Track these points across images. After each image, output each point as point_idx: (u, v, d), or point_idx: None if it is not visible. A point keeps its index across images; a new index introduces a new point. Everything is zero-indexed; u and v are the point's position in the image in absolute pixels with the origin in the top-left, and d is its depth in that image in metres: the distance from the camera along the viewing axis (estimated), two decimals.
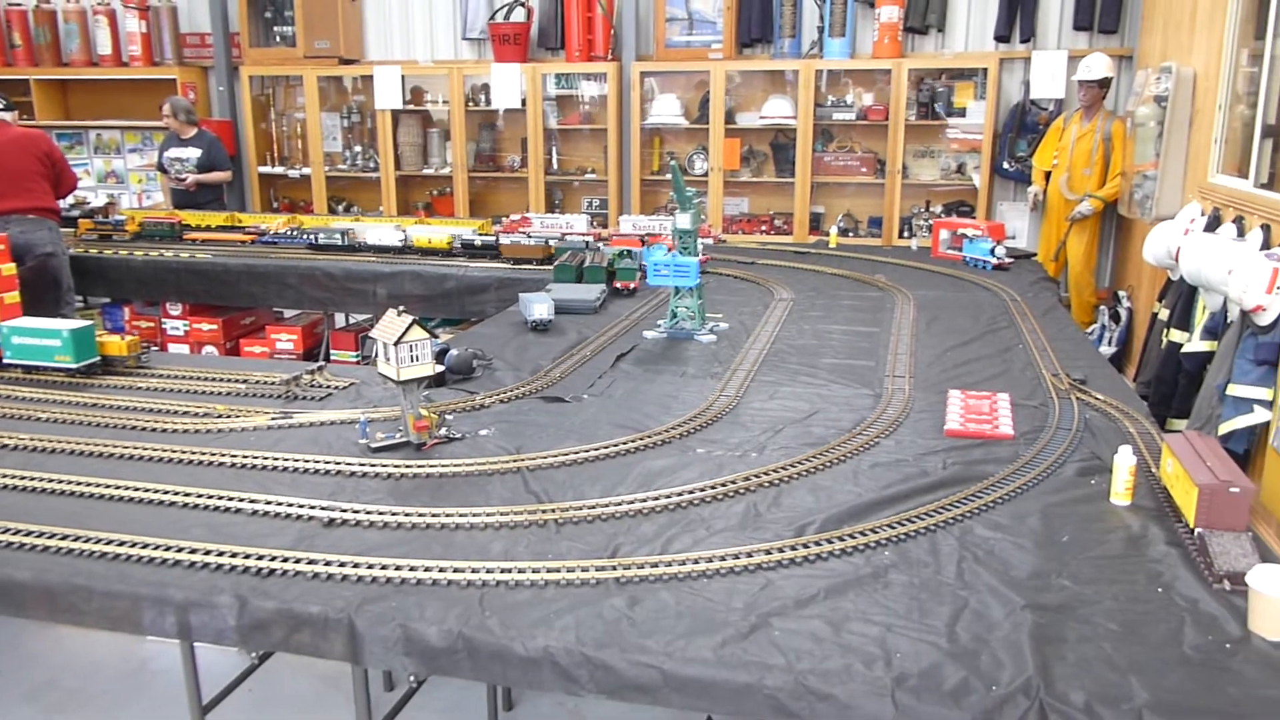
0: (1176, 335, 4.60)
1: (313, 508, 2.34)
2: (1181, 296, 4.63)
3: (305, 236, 5.95)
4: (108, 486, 2.46)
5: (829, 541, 2.15)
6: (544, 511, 2.31)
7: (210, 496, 2.40)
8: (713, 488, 2.44)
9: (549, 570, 2.02)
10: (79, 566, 2.08)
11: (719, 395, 3.21)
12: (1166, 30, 5.97)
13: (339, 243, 5.65)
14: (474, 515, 2.29)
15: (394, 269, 5.43)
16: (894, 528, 2.22)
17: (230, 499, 2.38)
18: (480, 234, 5.60)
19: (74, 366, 3.41)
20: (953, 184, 7.32)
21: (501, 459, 2.63)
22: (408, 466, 2.59)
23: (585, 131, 7.99)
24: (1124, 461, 2.36)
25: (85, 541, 2.16)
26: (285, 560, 2.07)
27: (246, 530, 2.24)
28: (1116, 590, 1.96)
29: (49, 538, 2.18)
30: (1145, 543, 2.16)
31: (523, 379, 3.40)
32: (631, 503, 2.35)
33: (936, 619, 1.86)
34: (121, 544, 2.15)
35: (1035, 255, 6.44)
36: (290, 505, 2.35)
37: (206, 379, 3.43)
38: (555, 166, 8.02)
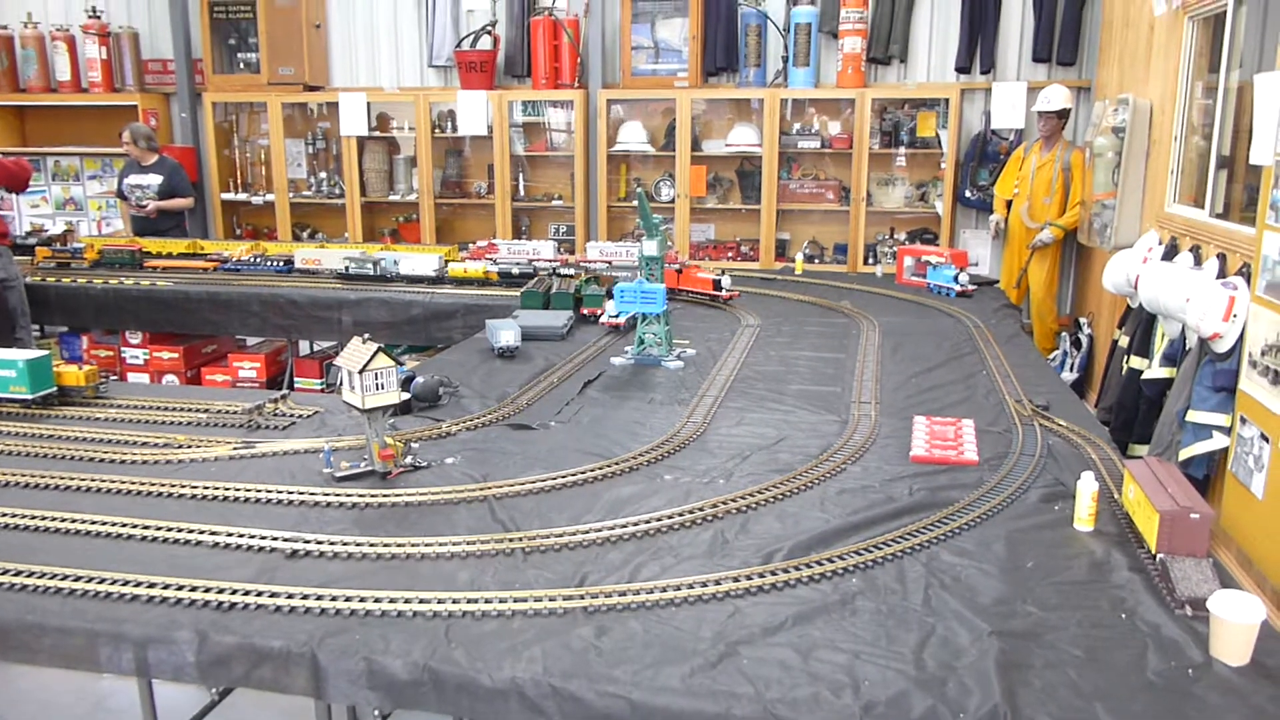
0: (1136, 362, 4.68)
1: (275, 539, 2.31)
2: (1141, 324, 4.72)
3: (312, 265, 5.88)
4: (64, 520, 2.41)
5: (797, 569, 2.15)
6: (511, 540, 2.29)
7: (170, 529, 2.36)
8: (680, 515, 2.43)
9: (516, 600, 2.01)
10: (32, 603, 2.03)
11: (686, 422, 3.22)
12: (1123, 62, 6.12)
13: (370, 273, 5.62)
14: (440, 545, 2.27)
15: (360, 295, 5.40)
16: (861, 554, 2.23)
17: (190, 531, 2.34)
18: (517, 263, 5.60)
19: (30, 397, 3.35)
20: (916, 211, 7.43)
21: (468, 487, 2.62)
22: (373, 496, 2.57)
23: (552, 158, 8.02)
24: (1086, 488, 2.40)
25: (39, 577, 2.12)
26: (247, 593, 2.04)
27: (207, 563, 2.20)
28: (1081, 616, 1.98)
29: (1, 573, 2.13)
30: (1108, 569, 2.19)
31: (489, 406, 3.39)
32: (599, 531, 2.34)
33: (904, 646, 1.87)
34: (77, 579, 2.10)
35: (998, 282, 6.55)
36: (252, 537, 2.32)
37: (167, 409, 3.39)
38: (522, 193, 8.04)
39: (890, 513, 2.45)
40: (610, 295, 4.25)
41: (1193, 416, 3.75)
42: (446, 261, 5.72)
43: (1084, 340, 6.35)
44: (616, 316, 4.24)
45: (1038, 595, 2.06)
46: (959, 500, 2.54)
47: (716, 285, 5.11)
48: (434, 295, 5.35)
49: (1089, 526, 2.39)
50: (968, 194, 7.25)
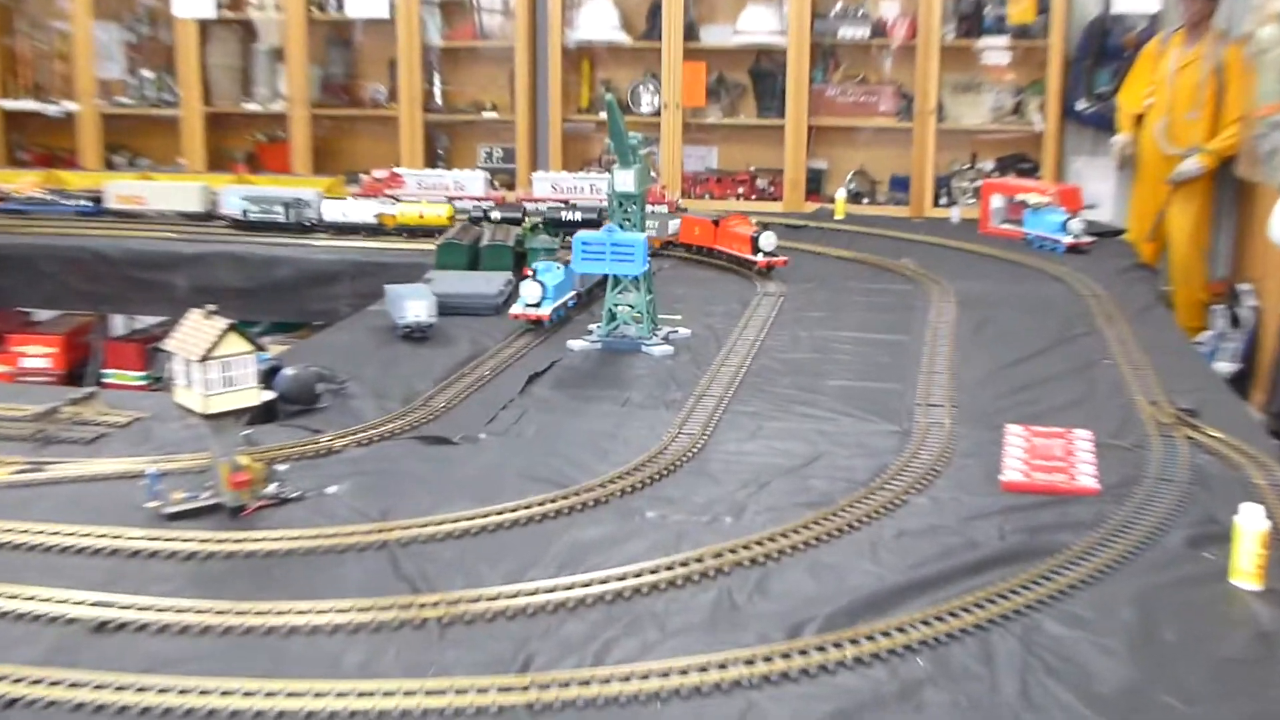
0: None
1: (77, 604, 2.28)
2: None
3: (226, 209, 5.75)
4: None
5: (837, 646, 2.15)
6: (422, 605, 2.28)
7: None
8: (669, 569, 2.43)
9: (429, 693, 1.99)
10: None
11: (678, 433, 3.21)
12: None
13: (282, 219, 5.54)
14: (318, 613, 2.25)
15: (200, 249, 5.36)
16: (930, 624, 2.23)
17: None
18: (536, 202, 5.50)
19: None
20: (1008, 131, 7.45)
21: (360, 529, 2.60)
22: (219, 542, 2.55)
23: (483, 52, 7.98)
24: (1251, 527, 2.40)
25: None
26: (35, 682, 2.01)
27: None
28: (1241, 709, 1.99)
29: None
30: None
31: (392, 410, 3.37)
32: (550, 591, 2.34)
33: None
34: None
35: (1124, 232, 6.57)
36: (43, 601, 2.29)
37: None
38: (438, 101, 7.99)
39: (972, 564, 2.46)
40: (534, 272, 4.15)
41: None
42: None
43: (1246, 315, 6.39)
44: (538, 305, 4.10)
45: (1181, 681, 2.07)
46: (1070, 546, 2.54)
47: (754, 245, 5.03)
48: (310, 249, 5.31)
49: (1254, 583, 2.39)
50: (1081, 106, 7.27)
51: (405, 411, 3.39)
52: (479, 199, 5.71)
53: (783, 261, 5.05)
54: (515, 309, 4.16)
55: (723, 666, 2.09)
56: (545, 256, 4.46)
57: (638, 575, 2.41)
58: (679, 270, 5.10)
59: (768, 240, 5.01)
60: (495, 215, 5.35)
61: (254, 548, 2.54)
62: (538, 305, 4.10)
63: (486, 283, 4.49)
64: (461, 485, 2.89)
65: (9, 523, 2.63)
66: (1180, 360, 3.91)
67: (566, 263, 4.10)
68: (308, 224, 5.53)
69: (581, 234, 3.95)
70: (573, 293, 4.29)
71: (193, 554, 2.53)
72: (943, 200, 7.26)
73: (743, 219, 5.30)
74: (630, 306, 4.03)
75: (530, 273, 4.22)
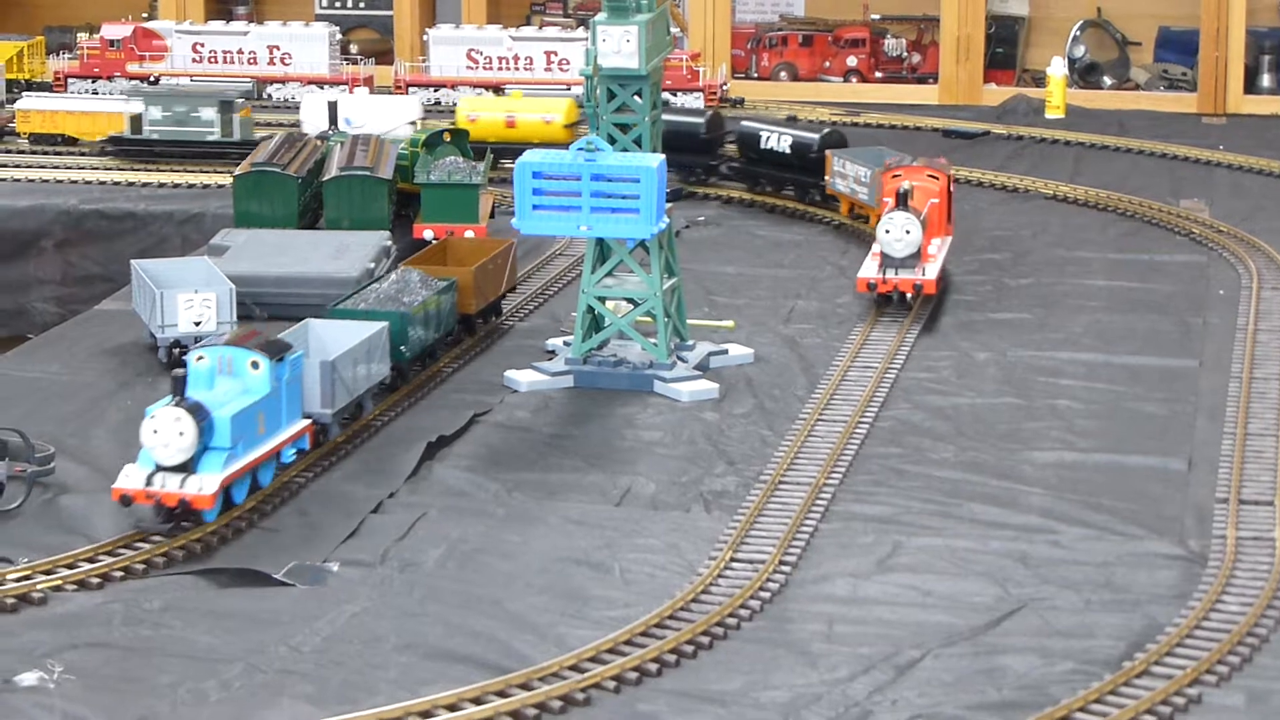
0: None
1: None
2: None
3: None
4: None
5: None
6: None
7: None
8: None
9: None
10: None
11: (729, 559, 2.90)
12: None
13: (216, 134, 5.32)
14: None
15: None
16: None
17: None
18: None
19: None
20: None
21: None
22: None
23: None
24: None
25: None
26: None
27: None
28: None
29: None
30: None
31: (149, 515, 3.05)
32: None
33: None
34: None
35: None
36: None
37: None
38: None
39: None
40: (180, 390, 3.71)
41: None
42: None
43: None
44: (185, 469, 3.57)
45: None
46: None
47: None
48: None
49: None
50: None
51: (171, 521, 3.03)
52: (318, 80, 5.43)
53: (912, 286, 4.83)
54: (125, 480, 3.66)
55: None
56: (448, 208, 4.16)
57: None
58: (732, 226, 4.82)
59: (898, 229, 4.74)
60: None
61: None
62: (182, 471, 3.60)
63: (335, 254, 4.16)
64: (292, 673, 2.55)
65: None
66: None
67: (280, 356, 3.65)
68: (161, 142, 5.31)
69: (530, 156, 3.60)
70: (301, 426, 3.79)
71: None
72: (1265, 80, 7.12)
73: (925, 175, 5.05)
74: (632, 303, 3.66)
75: (177, 396, 3.65)
